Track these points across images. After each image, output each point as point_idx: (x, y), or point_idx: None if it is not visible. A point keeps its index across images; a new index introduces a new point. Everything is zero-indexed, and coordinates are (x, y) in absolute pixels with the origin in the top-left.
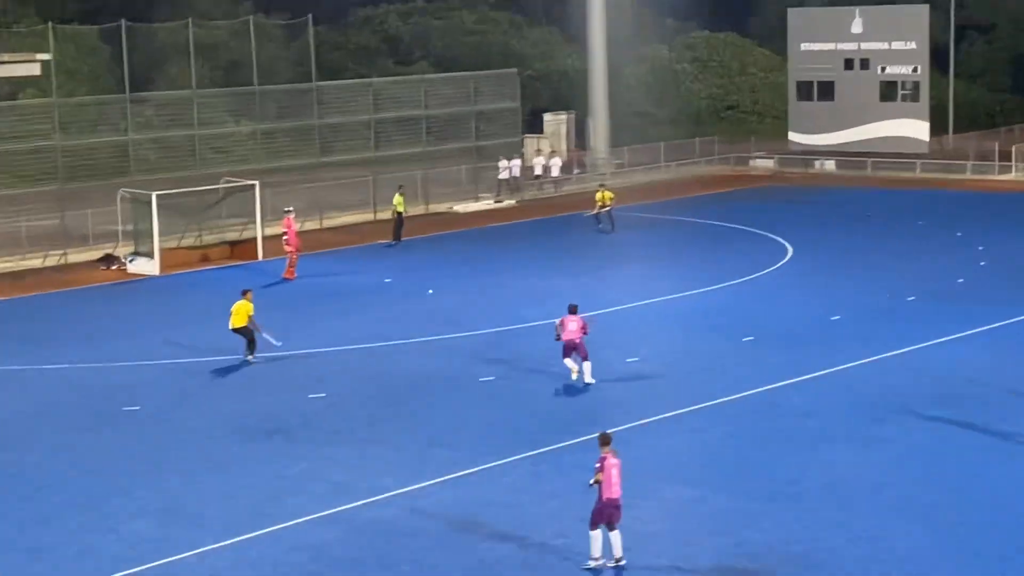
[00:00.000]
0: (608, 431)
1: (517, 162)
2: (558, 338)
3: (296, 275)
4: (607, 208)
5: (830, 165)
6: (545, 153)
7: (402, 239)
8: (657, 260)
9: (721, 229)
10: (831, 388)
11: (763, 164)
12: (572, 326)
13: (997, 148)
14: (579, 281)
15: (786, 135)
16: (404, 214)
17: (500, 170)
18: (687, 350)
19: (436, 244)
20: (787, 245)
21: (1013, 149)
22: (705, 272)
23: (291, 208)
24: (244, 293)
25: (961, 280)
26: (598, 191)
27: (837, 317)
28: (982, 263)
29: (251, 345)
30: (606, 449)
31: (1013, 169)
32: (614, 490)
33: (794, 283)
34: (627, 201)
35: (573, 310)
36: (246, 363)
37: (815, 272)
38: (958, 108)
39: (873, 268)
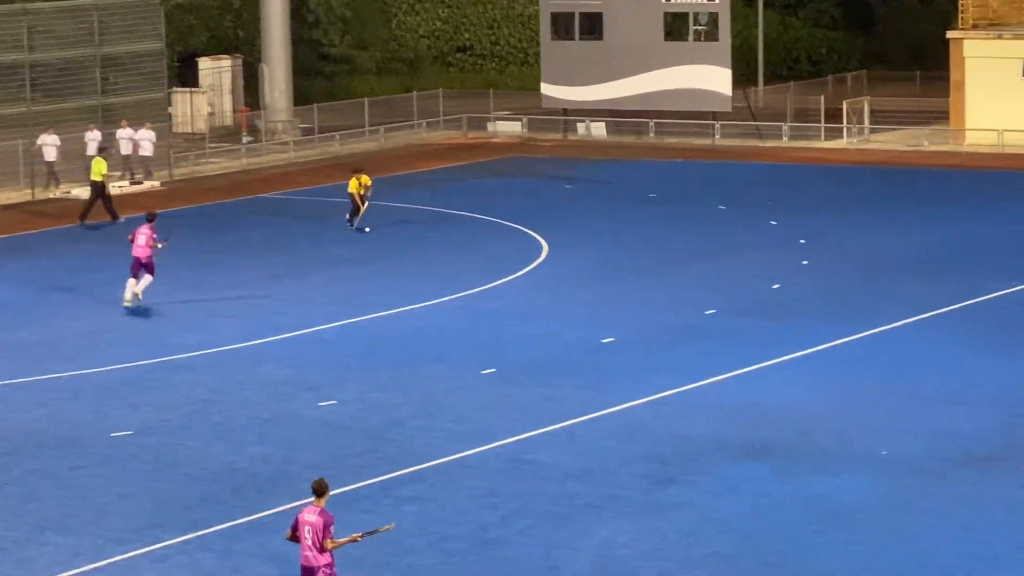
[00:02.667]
0: (323, 479)
1: (96, 134)
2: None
3: None
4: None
5: (598, 129)
6: (124, 127)
7: (119, 217)
8: (361, 263)
9: (450, 218)
10: (602, 437)
11: (507, 128)
12: (141, 239)
13: (823, 104)
14: (253, 293)
15: (538, 88)
16: (106, 185)
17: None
18: (402, 387)
19: (46, 244)
20: (541, 240)
21: (844, 106)
22: (428, 279)
23: None
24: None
25: (777, 286)
26: (353, 177)
27: (609, 339)
28: (804, 262)
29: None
30: (319, 503)
31: (844, 133)
32: (304, 555)
33: (550, 293)
34: (317, 180)
35: (151, 218)
36: None
37: (579, 278)
38: (771, 50)
39: (658, 271)
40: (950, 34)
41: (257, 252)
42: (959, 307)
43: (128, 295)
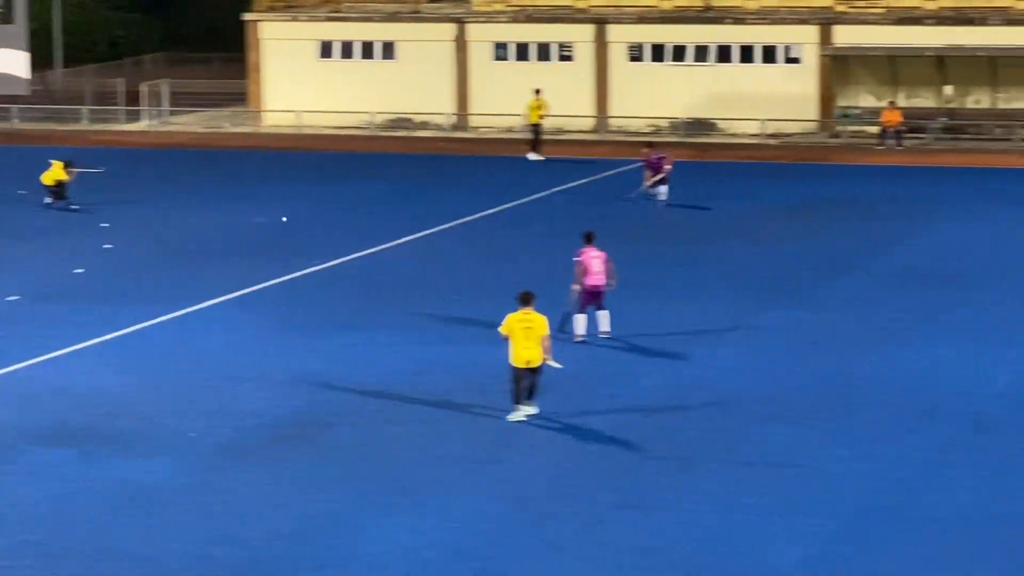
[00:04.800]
0: None
1: None
2: None
3: None
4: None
5: None
6: None
7: None
8: None
9: None
10: None
11: None
12: None
13: (123, 87)
14: None
15: None
16: None
17: None
18: None
19: None
20: None
21: (142, 88)
22: None
23: None
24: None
25: (80, 270)
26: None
27: None
28: (108, 245)
29: None
30: None
31: (144, 115)
32: None
33: None
34: None
35: None
36: None
37: None
38: (70, 33)
39: None
40: (246, 16)
41: None
42: (264, 287)
43: None
